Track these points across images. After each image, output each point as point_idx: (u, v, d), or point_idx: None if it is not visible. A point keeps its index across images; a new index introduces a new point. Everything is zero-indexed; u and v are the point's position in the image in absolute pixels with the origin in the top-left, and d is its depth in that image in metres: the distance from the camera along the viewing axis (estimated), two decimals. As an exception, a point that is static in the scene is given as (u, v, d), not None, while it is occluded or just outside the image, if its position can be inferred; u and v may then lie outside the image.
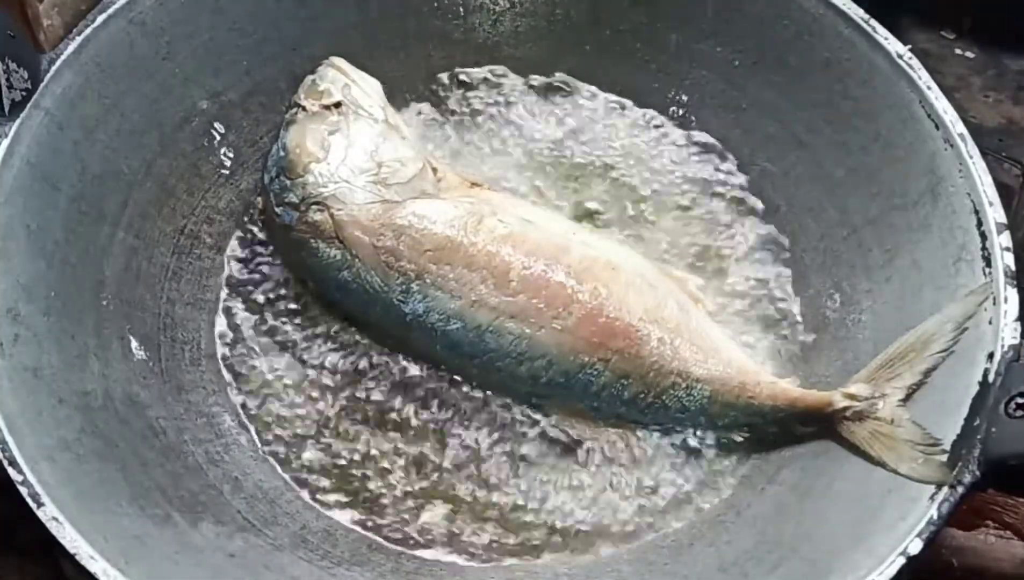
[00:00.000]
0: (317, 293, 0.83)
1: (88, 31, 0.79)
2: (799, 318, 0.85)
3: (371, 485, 0.78)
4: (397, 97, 0.90)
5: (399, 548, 0.76)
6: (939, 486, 0.66)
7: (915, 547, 0.64)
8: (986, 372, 0.68)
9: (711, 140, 0.91)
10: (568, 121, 0.92)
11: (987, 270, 0.72)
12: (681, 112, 0.92)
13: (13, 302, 0.71)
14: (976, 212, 0.74)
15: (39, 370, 0.71)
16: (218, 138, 0.87)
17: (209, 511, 0.74)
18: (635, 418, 0.78)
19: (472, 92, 0.93)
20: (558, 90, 0.93)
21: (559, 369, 0.77)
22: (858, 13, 0.82)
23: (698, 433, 0.79)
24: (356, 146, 0.81)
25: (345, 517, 0.77)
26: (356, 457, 0.79)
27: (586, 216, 0.88)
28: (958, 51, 1.06)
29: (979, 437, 0.66)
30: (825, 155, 0.85)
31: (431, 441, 0.79)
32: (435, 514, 0.77)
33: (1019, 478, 0.67)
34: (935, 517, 0.65)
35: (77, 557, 0.63)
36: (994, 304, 0.70)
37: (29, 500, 0.64)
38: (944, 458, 0.67)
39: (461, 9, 0.93)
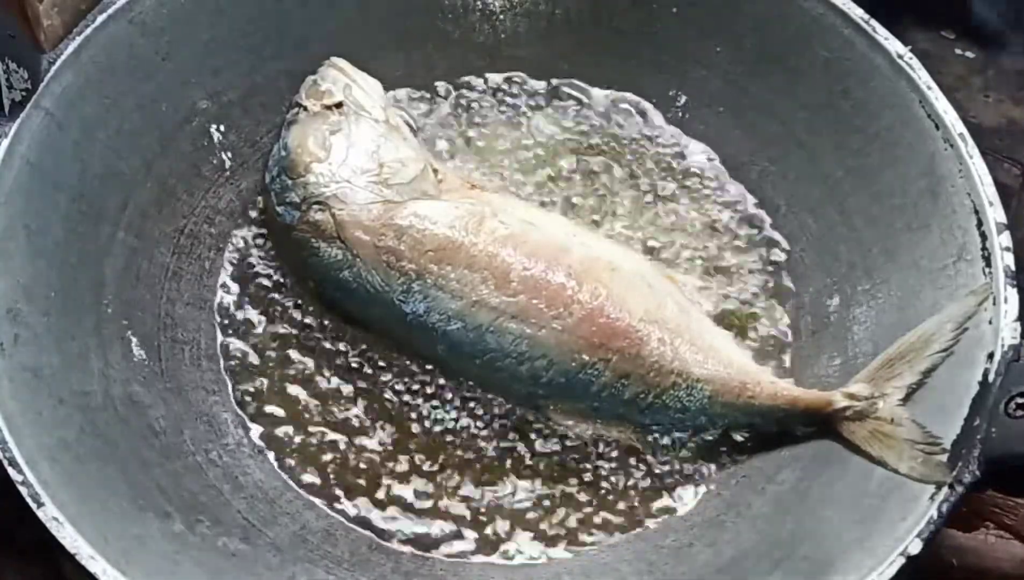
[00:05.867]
0: (318, 293, 0.83)
1: (88, 31, 0.79)
2: (799, 318, 0.85)
3: (372, 484, 0.78)
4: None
5: (400, 547, 0.76)
6: (939, 486, 0.66)
7: (915, 547, 0.64)
8: (986, 372, 0.68)
9: (710, 140, 0.91)
10: (567, 121, 0.92)
11: (987, 270, 0.72)
12: (681, 112, 0.92)
13: (13, 302, 0.71)
14: (976, 212, 0.74)
15: (39, 370, 0.71)
16: (218, 138, 0.87)
17: (209, 511, 0.74)
18: (635, 418, 0.78)
19: (472, 93, 0.93)
20: (557, 90, 0.93)
21: (559, 369, 0.77)
22: (858, 13, 0.82)
23: (698, 433, 0.79)
24: (357, 146, 0.81)
25: (345, 516, 0.77)
26: (357, 456, 0.79)
27: (583, 216, 0.88)
28: (958, 51, 1.06)
29: (979, 437, 0.66)
30: (825, 155, 0.85)
31: (433, 441, 0.79)
32: (437, 513, 0.77)
33: (1019, 478, 0.67)
34: (935, 517, 0.65)
35: (77, 557, 0.63)
36: (994, 304, 0.70)
37: (29, 500, 0.64)
38: (944, 458, 0.67)
39: (461, 9, 0.93)
